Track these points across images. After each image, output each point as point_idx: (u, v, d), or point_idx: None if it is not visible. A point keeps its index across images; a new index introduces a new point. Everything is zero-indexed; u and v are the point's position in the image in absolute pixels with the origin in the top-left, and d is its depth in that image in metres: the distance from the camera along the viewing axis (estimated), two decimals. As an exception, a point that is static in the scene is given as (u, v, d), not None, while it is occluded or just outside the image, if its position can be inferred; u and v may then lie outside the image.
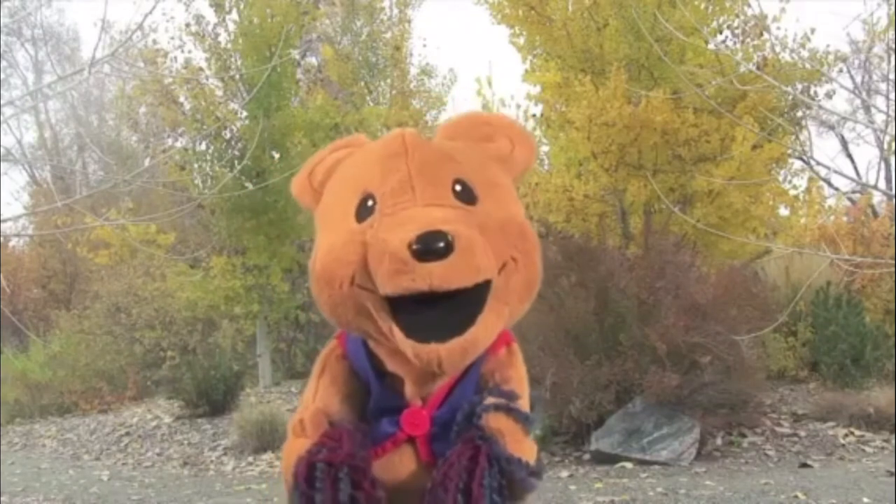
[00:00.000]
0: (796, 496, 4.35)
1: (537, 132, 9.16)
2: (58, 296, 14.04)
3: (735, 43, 7.65)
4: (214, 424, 7.87)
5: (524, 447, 1.18)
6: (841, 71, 9.04)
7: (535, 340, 5.74)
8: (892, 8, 4.84)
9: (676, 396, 5.58)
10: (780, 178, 8.23)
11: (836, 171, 13.47)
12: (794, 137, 7.55)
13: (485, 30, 13.02)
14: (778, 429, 6.04)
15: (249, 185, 8.54)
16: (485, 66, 25.37)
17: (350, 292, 1.15)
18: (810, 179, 9.26)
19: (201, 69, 9.36)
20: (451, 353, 1.11)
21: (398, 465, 1.22)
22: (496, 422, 1.17)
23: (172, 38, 9.36)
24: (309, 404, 1.28)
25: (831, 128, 15.43)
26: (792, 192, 8.23)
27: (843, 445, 5.71)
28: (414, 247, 1.06)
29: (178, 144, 10.38)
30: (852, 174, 13.29)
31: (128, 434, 8.23)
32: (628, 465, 5.47)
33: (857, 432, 5.84)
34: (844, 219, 9.72)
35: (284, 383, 9.47)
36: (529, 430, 1.21)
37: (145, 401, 9.69)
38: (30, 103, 9.94)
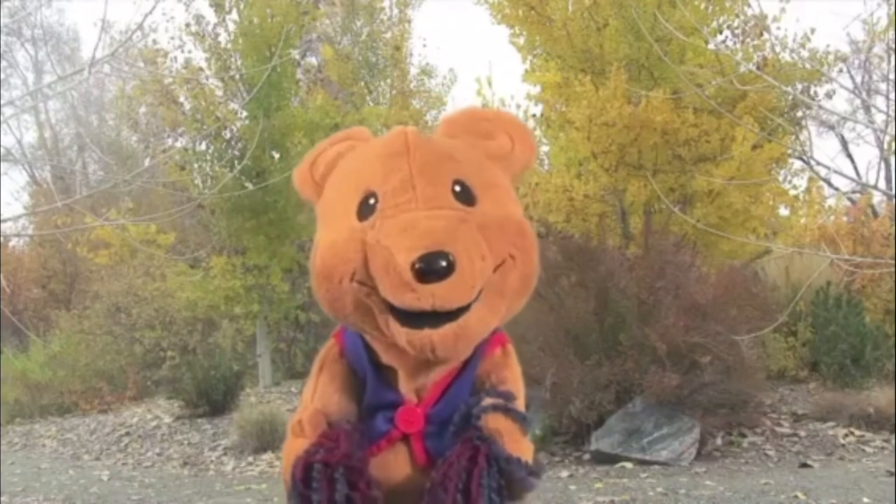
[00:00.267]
0: (796, 496, 4.35)
1: (537, 132, 9.16)
2: (58, 296, 14.04)
3: (735, 43, 7.66)
4: (214, 424, 7.87)
5: (522, 447, 1.18)
6: (841, 71, 9.05)
7: (535, 340, 5.75)
8: (892, 8, 4.84)
9: (676, 396, 5.58)
10: (780, 178, 8.23)
11: (836, 171, 13.46)
12: (794, 137, 7.55)
13: (485, 30, 13.03)
14: (778, 429, 6.04)
15: (249, 185, 8.54)
16: (485, 66, 25.35)
17: (349, 288, 1.16)
18: (810, 179, 9.26)
19: (201, 69, 9.36)
20: (444, 338, 1.13)
21: (393, 463, 1.23)
22: (494, 422, 1.18)
23: (172, 38, 9.37)
24: (308, 404, 1.29)
25: (831, 128, 15.44)
26: (792, 192, 8.23)
27: (843, 445, 5.71)
28: (417, 266, 1.09)
29: (178, 144, 10.39)
30: (852, 174, 13.30)
31: (128, 434, 8.22)
32: (628, 465, 5.47)
33: (857, 432, 5.84)
34: (844, 219, 9.72)
35: (284, 383, 9.47)
36: (527, 429, 1.22)
37: (145, 401, 9.69)
38: (30, 103, 9.95)
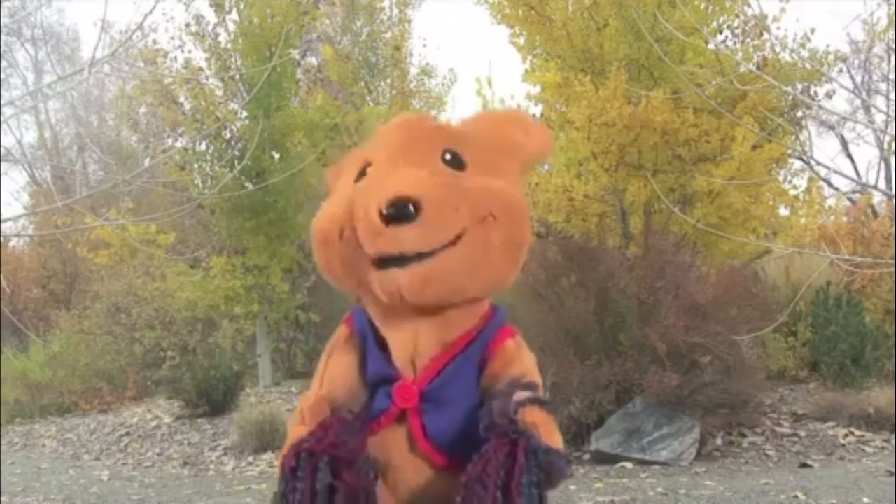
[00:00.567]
0: (796, 496, 4.35)
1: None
2: (58, 296, 14.04)
3: (735, 43, 7.65)
4: (214, 424, 7.87)
5: (556, 438, 1.20)
6: (841, 71, 9.04)
7: (536, 340, 5.74)
8: (892, 8, 4.84)
9: (676, 396, 5.58)
10: (780, 178, 8.22)
11: (836, 171, 13.48)
12: (794, 137, 7.55)
13: (485, 30, 13.05)
14: (778, 429, 6.04)
15: (249, 185, 8.54)
16: (485, 66, 25.41)
17: (338, 247, 1.24)
18: (810, 179, 9.26)
19: (201, 69, 9.36)
20: (412, 278, 1.18)
21: (392, 442, 1.25)
22: (530, 415, 1.19)
23: (172, 38, 9.36)
24: (315, 390, 1.33)
25: (831, 128, 15.43)
26: (792, 192, 8.23)
27: (843, 445, 5.71)
28: (384, 212, 1.16)
29: (178, 144, 10.38)
30: (852, 174, 13.30)
31: (128, 434, 8.22)
32: (628, 465, 5.47)
33: (857, 432, 5.84)
34: (844, 219, 9.71)
35: (284, 383, 9.46)
36: (557, 420, 1.24)
37: (145, 401, 9.69)
38: (30, 103, 9.95)
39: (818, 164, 8.98)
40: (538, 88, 8.06)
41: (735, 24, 7.59)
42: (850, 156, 15.95)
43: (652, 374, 5.52)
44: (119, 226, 7.16)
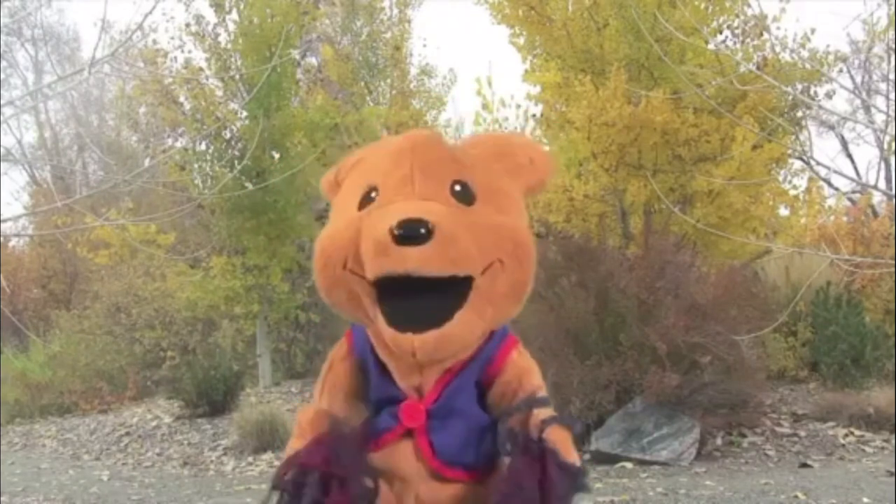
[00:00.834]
0: (796, 496, 4.35)
1: (537, 132, 9.16)
2: (58, 296, 14.03)
3: (735, 43, 7.66)
4: (214, 424, 7.87)
5: (574, 454, 1.24)
6: (841, 71, 9.05)
7: (535, 340, 5.73)
8: (892, 8, 4.84)
9: (676, 396, 5.58)
10: (780, 178, 8.23)
11: (836, 171, 13.49)
12: (794, 137, 7.55)
13: (485, 30, 13.02)
14: (778, 429, 6.04)
15: (249, 185, 8.54)
16: (485, 66, 25.38)
17: (342, 275, 1.21)
18: (810, 179, 9.27)
19: (201, 69, 9.35)
20: (425, 343, 1.17)
21: (400, 456, 1.26)
22: (554, 433, 1.22)
23: (172, 38, 9.36)
24: (315, 402, 1.34)
25: (831, 128, 15.43)
26: (792, 192, 8.23)
27: (843, 445, 5.71)
28: (395, 232, 1.12)
29: (178, 144, 10.38)
30: (852, 174, 13.30)
31: (128, 434, 8.22)
32: (628, 465, 5.47)
33: (857, 432, 5.84)
34: (844, 219, 9.71)
35: (284, 383, 9.46)
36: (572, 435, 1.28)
37: (145, 401, 9.69)
38: (30, 103, 9.95)
39: (818, 164, 8.99)
40: (538, 88, 8.06)
41: (735, 24, 7.59)
42: (850, 156, 15.97)
43: (652, 374, 5.52)
44: (119, 226, 7.16)
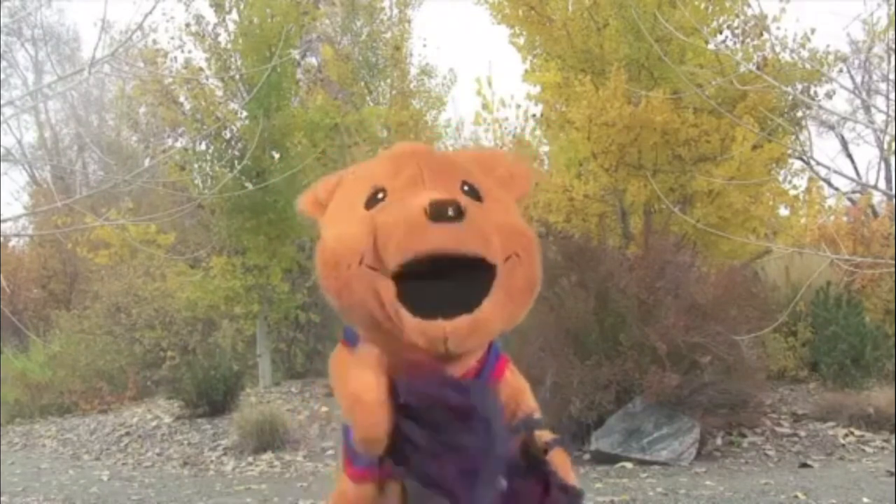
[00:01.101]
0: (796, 496, 4.35)
1: (537, 132, 9.16)
2: (58, 296, 14.03)
3: (735, 43, 7.66)
4: (214, 424, 7.86)
5: (573, 475, 1.26)
6: (841, 71, 9.05)
7: (535, 340, 5.74)
8: (892, 8, 4.84)
9: (676, 396, 5.59)
10: (780, 178, 8.23)
11: (836, 171, 13.50)
12: (794, 137, 7.55)
13: (485, 30, 13.03)
14: (778, 429, 6.04)
15: (249, 185, 8.53)
16: (485, 66, 25.37)
17: (358, 272, 1.18)
18: (810, 179, 9.26)
19: (201, 69, 9.35)
20: (458, 329, 1.14)
21: None
22: (556, 456, 1.24)
23: (172, 38, 9.35)
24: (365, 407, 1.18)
25: (831, 128, 15.42)
26: (792, 192, 8.23)
27: (843, 445, 5.71)
28: (429, 211, 1.12)
29: (178, 144, 10.37)
30: (852, 174, 13.28)
31: (128, 434, 8.22)
32: (628, 465, 5.47)
33: (857, 432, 5.84)
34: (844, 219, 9.71)
35: (284, 383, 9.46)
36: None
37: (145, 401, 9.68)
38: (30, 103, 9.96)
39: (818, 164, 8.99)
40: (538, 88, 8.06)
41: (735, 24, 7.60)
42: (850, 156, 15.96)
43: (652, 374, 5.52)
44: (119, 226, 7.16)
